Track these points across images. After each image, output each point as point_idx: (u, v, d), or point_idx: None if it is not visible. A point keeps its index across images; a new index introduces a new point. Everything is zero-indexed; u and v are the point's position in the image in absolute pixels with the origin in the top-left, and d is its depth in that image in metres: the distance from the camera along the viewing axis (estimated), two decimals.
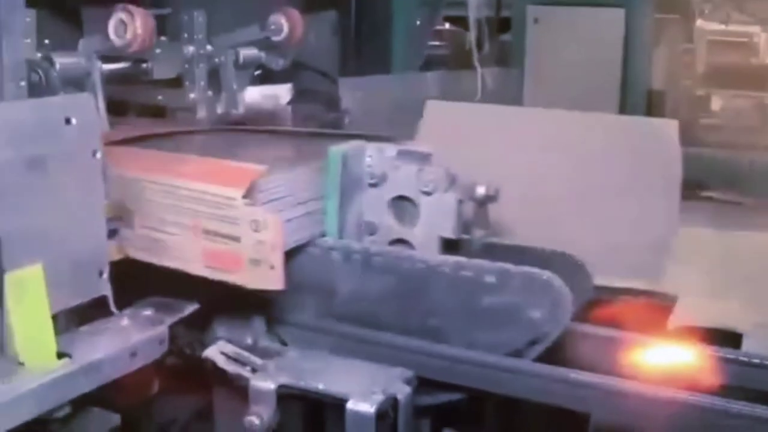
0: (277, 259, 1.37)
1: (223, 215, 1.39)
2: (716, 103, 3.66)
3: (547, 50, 3.39)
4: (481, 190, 1.43)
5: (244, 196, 1.37)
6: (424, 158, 1.47)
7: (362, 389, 1.30)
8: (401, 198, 1.49)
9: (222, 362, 1.43)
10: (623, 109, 3.32)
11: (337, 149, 1.45)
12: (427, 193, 1.45)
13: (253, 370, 1.40)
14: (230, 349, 1.43)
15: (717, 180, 3.01)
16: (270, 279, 1.38)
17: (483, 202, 1.44)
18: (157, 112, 2.08)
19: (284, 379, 1.35)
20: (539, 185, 1.76)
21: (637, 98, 3.45)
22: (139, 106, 2.07)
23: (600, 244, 1.73)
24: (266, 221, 1.36)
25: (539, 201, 1.75)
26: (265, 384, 1.35)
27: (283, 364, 1.40)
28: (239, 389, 1.42)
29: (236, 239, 1.39)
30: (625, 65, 3.40)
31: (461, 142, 1.77)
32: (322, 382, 1.33)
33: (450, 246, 1.48)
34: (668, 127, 1.77)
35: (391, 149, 1.49)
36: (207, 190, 1.41)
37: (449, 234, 1.46)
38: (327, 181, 1.46)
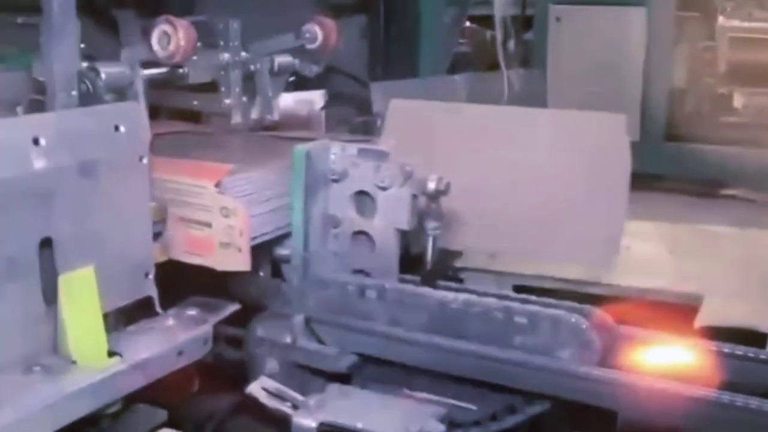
0: (244, 243, 1.54)
1: (198, 203, 1.55)
2: (738, 101, 3.66)
3: (569, 49, 3.41)
4: (431, 185, 1.50)
5: (216, 186, 1.53)
6: (381, 156, 1.54)
7: (398, 428, 1.37)
8: (362, 193, 1.57)
9: (264, 398, 1.49)
10: (645, 107, 3.34)
11: (301, 148, 1.54)
12: (384, 188, 1.53)
13: (294, 407, 1.45)
14: (271, 384, 1.49)
15: (739, 178, 3.02)
16: (238, 261, 1.55)
17: (434, 196, 1.51)
18: (190, 117, 2.13)
19: (324, 417, 1.41)
20: (492, 179, 1.81)
21: (660, 97, 3.46)
22: (172, 110, 2.12)
23: (549, 236, 1.79)
24: (234, 208, 1.53)
25: (491, 194, 1.79)
26: (306, 421, 1.41)
27: (322, 401, 1.47)
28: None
29: (209, 225, 1.54)
30: (648, 64, 3.41)
31: (422, 139, 1.83)
32: (361, 421, 1.40)
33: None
34: (616, 122, 1.81)
35: (352, 148, 1.57)
36: (185, 182, 1.56)
37: (404, 226, 1.54)
38: (293, 178, 1.55)
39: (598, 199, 1.78)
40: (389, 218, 1.54)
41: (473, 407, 1.49)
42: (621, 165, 1.78)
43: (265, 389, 1.50)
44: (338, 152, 1.56)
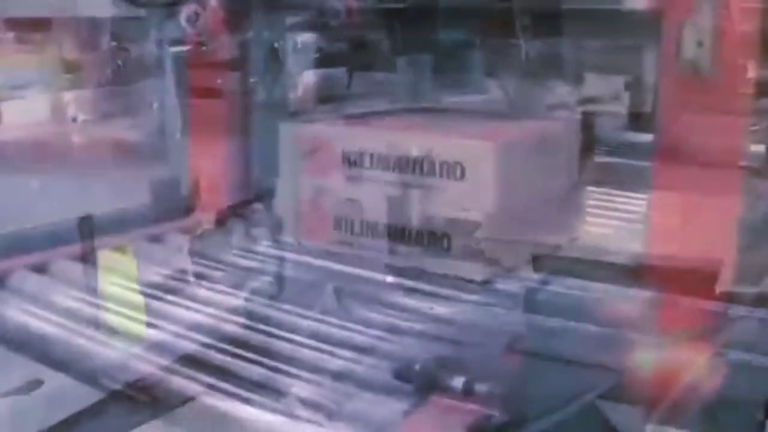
0: None
1: None
2: (753, 72, 3.65)
3: (580, 19, 3.40)
4: (413, 153, 1.62)
5: None
6: (361, 127, 1.72)
7: None
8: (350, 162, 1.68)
9: (299, 408, 1.52)
10: (658, 77, 3.33)
11: (286, 126, 1.69)
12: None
13: (329, 416, 1.49)
14: (306, 395, 1.52)
15: (752, 149, 3.02)
16: None
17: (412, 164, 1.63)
18: (212, 94, 2.15)
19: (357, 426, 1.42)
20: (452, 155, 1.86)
21: (673, 66, 3.45)
22: (194, 88, 2.14)
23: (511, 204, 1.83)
24: None
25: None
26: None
27: (355, 410, 1.46)
28: None
29: None
30: (662, 36, 3.40)
31: None
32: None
33: None
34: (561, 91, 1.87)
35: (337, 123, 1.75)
36: None
37: (390, 191, 1.65)
38: (280, 151, 1.68)
39: (555, 167, 1.83)
40: (376, 185, 1.65)
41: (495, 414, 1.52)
42: (572, 133, 1.84)
43: (300, 399, 1.54)
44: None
